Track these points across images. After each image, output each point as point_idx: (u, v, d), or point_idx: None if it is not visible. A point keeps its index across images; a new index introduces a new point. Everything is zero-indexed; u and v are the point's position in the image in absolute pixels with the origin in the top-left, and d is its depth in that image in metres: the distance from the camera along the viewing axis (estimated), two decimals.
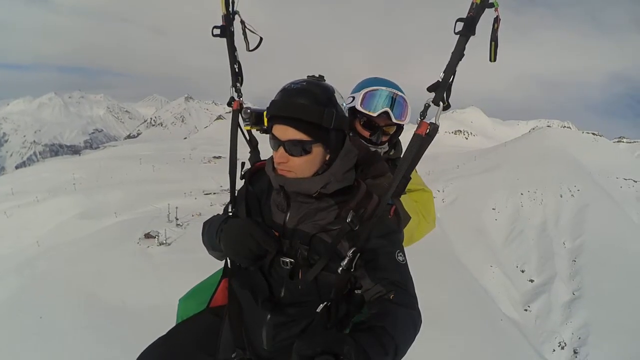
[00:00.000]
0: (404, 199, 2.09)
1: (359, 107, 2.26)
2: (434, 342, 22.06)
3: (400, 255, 1.54)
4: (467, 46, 1.52)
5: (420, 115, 1.68)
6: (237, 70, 2.03)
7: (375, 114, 2.25)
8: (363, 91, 2.28)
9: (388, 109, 2.24)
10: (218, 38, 2.00)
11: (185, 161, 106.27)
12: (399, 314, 1.36)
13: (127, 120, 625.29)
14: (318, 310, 1.55)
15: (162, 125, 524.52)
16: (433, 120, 1.61)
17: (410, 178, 1.71)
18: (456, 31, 1.51)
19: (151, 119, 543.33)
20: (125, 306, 28.26)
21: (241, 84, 2.04)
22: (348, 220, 1.51)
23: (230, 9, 1.97)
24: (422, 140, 1.60)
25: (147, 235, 41.27)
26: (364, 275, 1.51)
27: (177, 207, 48.78)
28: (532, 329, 41.29)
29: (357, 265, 1.51)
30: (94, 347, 22.73)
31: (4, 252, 46.55)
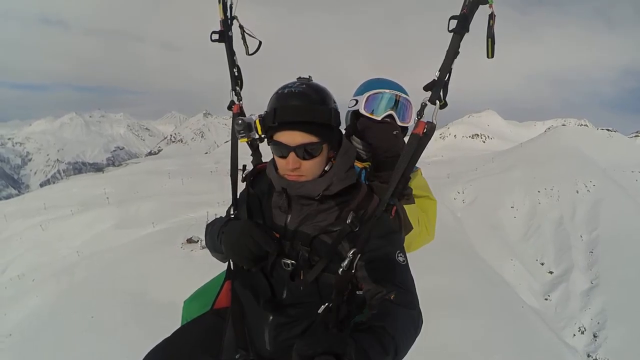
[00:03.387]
0: (411, 208, 2.03)
1: (362, 111, 2.20)
2: (455, 326, 23.89)
3: (401, 256, 1.55)
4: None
5: (417, 115, 1.63)
6: (236, 74, 2.04)
7: (379, 118, 2.18)
8: (366, 94, 2.22)
9: (392, 112, 2.19)
10: (223, 46, 2.04)
11: (212, 174, 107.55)
12: (400, 314, 1.36)
13: (148, 138, 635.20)
14: (319, 311, 1.55)
15: (182, 142, 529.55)
16: (430, 119, 1.59)
17: (410, 178, 1.72)
18: (450, 29, 1.49)
19: (171, 135, 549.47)
20: (172, 303, 28.41)
21: (241, 88, 2.06)
22: (348, 221, 1.55)
23: (228, 14, 2.00)
24: (420, 140, 1.59)
25: (189, 240, 42.58)
26: (365, 276, 1.52)
27: (215, 214, 48.84)
28: (553, 316, 42.58)
29: (357, 266, 1.53)
30: (144, 341, 23.75)
31: (44, 260, 47.83)
